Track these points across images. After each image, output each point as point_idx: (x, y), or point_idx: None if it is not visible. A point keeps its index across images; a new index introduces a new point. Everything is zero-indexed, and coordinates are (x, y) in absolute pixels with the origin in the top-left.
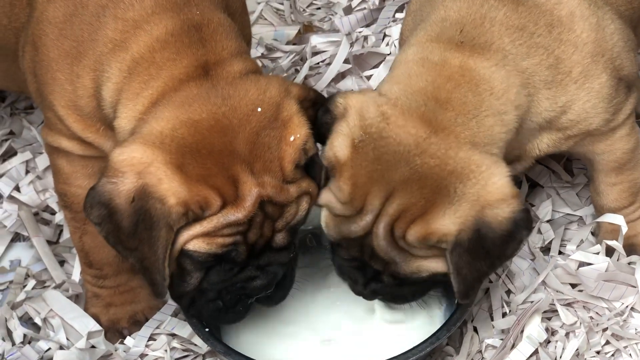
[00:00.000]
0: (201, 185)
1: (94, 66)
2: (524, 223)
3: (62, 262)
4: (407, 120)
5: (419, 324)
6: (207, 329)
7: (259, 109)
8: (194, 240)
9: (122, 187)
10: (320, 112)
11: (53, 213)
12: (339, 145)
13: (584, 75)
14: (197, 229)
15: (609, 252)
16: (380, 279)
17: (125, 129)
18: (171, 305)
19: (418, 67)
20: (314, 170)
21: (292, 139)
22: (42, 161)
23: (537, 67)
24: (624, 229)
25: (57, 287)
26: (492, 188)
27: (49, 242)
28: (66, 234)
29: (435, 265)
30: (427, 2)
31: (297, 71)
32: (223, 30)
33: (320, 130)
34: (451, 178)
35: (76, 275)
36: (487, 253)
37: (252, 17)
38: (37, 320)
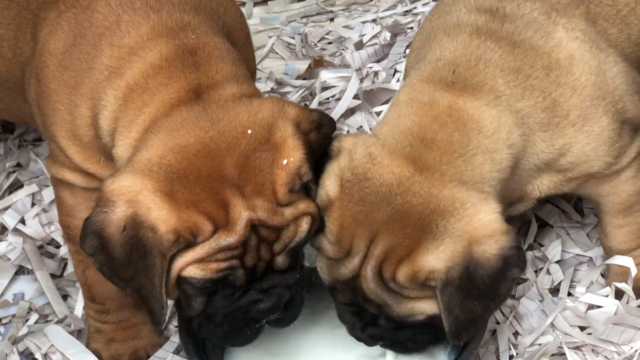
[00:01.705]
0: (191, 211)
1: (90, 94)
2: (514, 260)
3: (65, 297)
4: (392, 160)
5: None
6: None
7: (249, 131)
8: (189, 266)
9: (112, 216)
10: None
11: (58, 246)
12: (330, 185)
13: (582, 119)
14: (190, 255)
15: (619, 294)
16: (377, 323)
17: (123, 158)
18: (173, 342)
19: (407, 107)
20: (311, 195)
21: (285, 162)
22: (48, 194)
23: (532, 109)
24: (634, 271)
25: (60, 321)
26: (478, 224)
27: (53, 276)
28: (70, 268)
29: (429, 306)
30: (427, 41)
31: (306, 106)
32: (219, 54)
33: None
34: (433, 216)
35: (79, 310)
36: (479, 293)
37: (263, 51)
38: (38, 356)
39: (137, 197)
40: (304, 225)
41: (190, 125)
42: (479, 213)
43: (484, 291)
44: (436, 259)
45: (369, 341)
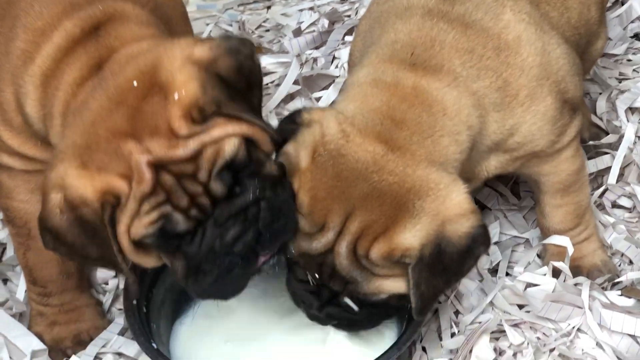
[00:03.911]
0: (102, 175)
1: (11, 80)
2: (481, 239)
3: (5, 281)
4: (364, 138)
5: (370, 344)
6: (155, 347)
7: (135, 83)
8: (130, 229)
9: (48, 206)
10: (283, 123)
11: None
12: (304, 154)
13: (530, 98)
14: (123, 218)
15: (556, 273)
16: (336, 302)
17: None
18: (118, 324)
19: (372, 87)
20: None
21: (176, 97)
22: None
23: (487, 90)
24: (570, 250)
25: (1, 305)
26: (450, 204)
27: None
28: (9, 252)
29: (395, 285)
30: (377, 24)
31: None
32: (120, 19)
33: (284, 137)
34: (410, 195)
35: (20, 294)
36: (444, 269)
37: None
38: None
39: (61, 182)
40: (227, 146)
41: (88, 102)
42: (451, 193)
43: (450, 267)
44: (413, 236)
45: (326, 320)
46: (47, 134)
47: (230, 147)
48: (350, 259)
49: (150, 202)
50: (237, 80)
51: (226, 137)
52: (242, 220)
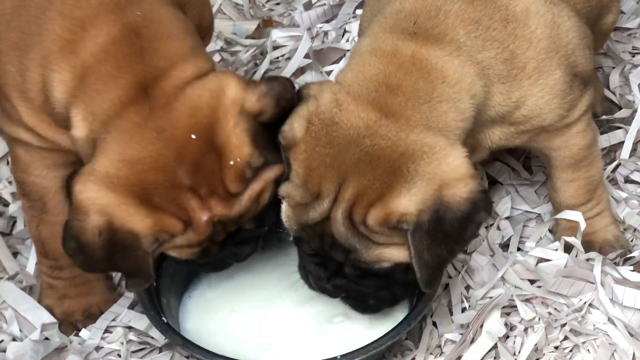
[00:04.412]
0: (160, 214)
1: (41, 62)
2: (482, 204)
3: (15, 254)
4: (358, 105)
5: (379, 317)
6: (165, 321)
7: (193, 136)
8: (169, 250)
9: (87, 225)
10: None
11: (6, 205)
12: (298, 126)
13: (538, 71)
14: (168, 245)
15: (568, 248)
16: (342, 273)
17: (81, 138)
18: (128, 297)
19: (370, 56)
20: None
21: (231, 163)
22: None
23: (492, 61)
24: (582, 225)
25: (11, 278)
26: (447, 168)
27: (2, 234)
28: (20, 226)
29: (396, 253)
30: None
31: (256, 65)
32: (163, 31)
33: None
34: (403, 159)
35: (31, 267)
36: (445, 236)
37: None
38: None
39: (106, 209)
40: (266, 194)
41: (139, 136)
42: (447, 157)
43: (451, 234)
44: (409, 201)
45: (334, 291)
46: (67, 120)
47: (268, 195)
48: (347, 225)
49: (198, 242)
50: (278, 123)
51: (266, 186)
52: (255, 241)
